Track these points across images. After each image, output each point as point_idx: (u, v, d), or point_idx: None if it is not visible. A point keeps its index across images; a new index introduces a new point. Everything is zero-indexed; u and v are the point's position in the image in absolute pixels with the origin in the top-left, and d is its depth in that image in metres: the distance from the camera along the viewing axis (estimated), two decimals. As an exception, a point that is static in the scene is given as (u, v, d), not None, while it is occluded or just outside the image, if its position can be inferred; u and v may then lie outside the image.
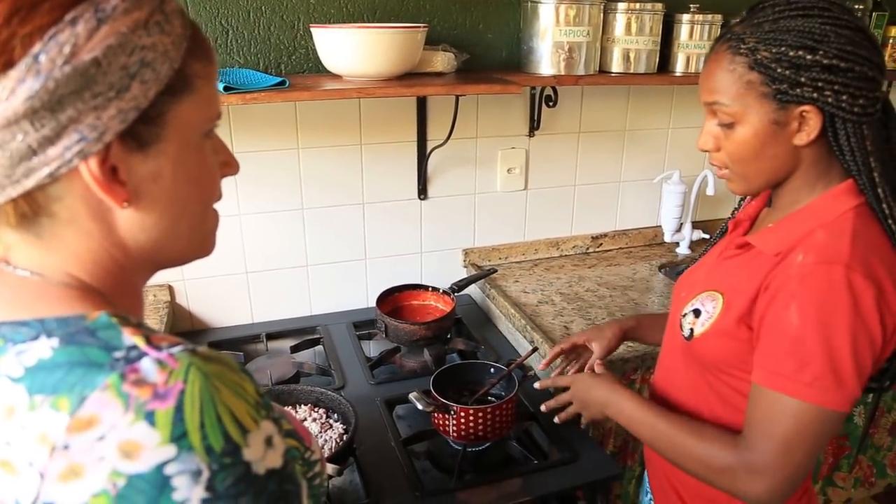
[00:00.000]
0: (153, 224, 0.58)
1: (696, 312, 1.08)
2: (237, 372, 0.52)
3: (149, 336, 0.51)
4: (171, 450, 0.46)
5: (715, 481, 0.99)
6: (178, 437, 0.46)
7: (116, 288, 0.58)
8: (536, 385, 1.37)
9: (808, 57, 0.89)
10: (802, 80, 0.89)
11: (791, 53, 0.89)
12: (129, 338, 0.50)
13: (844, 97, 0.89)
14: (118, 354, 0.49)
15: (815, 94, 0.90)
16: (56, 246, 0.55)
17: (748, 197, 1.17)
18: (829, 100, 0.90)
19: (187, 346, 0.51)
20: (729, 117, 0.97)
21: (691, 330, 1.07)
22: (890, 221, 0.94)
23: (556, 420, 1.30)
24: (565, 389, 1.29)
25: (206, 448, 0.47)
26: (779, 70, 0.90)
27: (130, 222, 0.56)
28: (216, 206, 0.66)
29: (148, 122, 0.53)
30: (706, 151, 1.04)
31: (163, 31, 0.53)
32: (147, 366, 0.48)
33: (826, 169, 0.98)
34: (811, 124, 0.92)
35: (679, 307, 1.14)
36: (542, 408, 1.33)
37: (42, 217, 0.54)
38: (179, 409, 0.47)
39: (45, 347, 0.49)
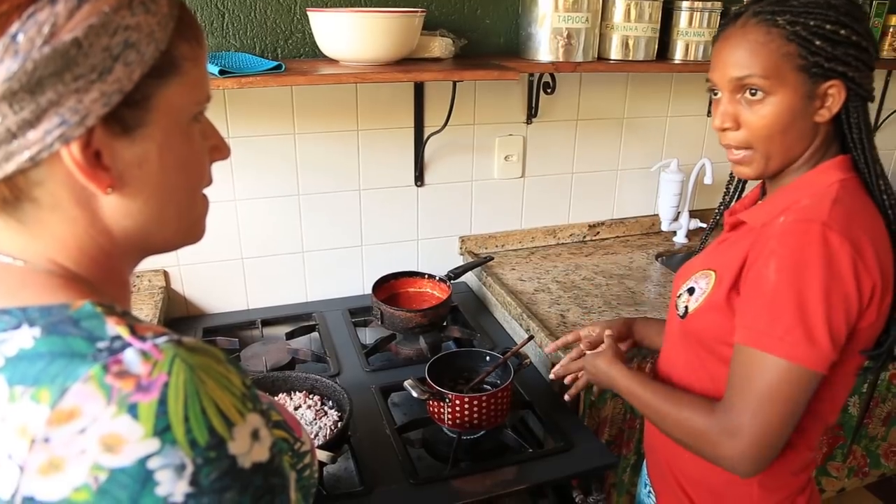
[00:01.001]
0: (139, 210, 0.56)
1: (691, 290, 1.09)
2: (223, 363, 0.51)
3: (133, 326, 0.50)
4: (154, 443, 0.45)
5: (697, 447, 0.99)
6: (162, 430, 0.45)
7: (102, 275, 0.57)
8: (552, 375, 1.36)
9: (843, 32, 0.91)
10: (838, 53, 0.92)
11: (828, 27, 0.91)
12: (113, 328, 0.49)
13: (864, 75, 0.94)
14: (101, 345, 0.48)
15: (844, 70, 0.92)
16: (39, 232, 0.54)
17: (742, 190, 1.20)
18: (854, 76, 0.93)
19: (172, 337, 0.50)
20: (763, 91, 0.95)
21: (686, 308, 1.08)
22: (885, 197, 0.98)
23: (566, 397, 1.34)
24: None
25: (191, 442, 0.46)
26: (817, 42, 0.91)
27: (115, 208, 0.55)
28: (207, 191, 0.65)
29: (132, 105, 0.52)
30: (725, 130, 1.01)
31: (148, 11, 0.51)
32: (131, 357, 0.47)
33: (828, 148, 1.01)
34: (834, 100, 0.95)
35: (677, 291, 1.15)
36: (552, 375, 1.36)
37: (24, 202, 0.52)
38: (163, 402, 0.46)
39: (26, 337, 0.48)
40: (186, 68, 0.55)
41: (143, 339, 0.49)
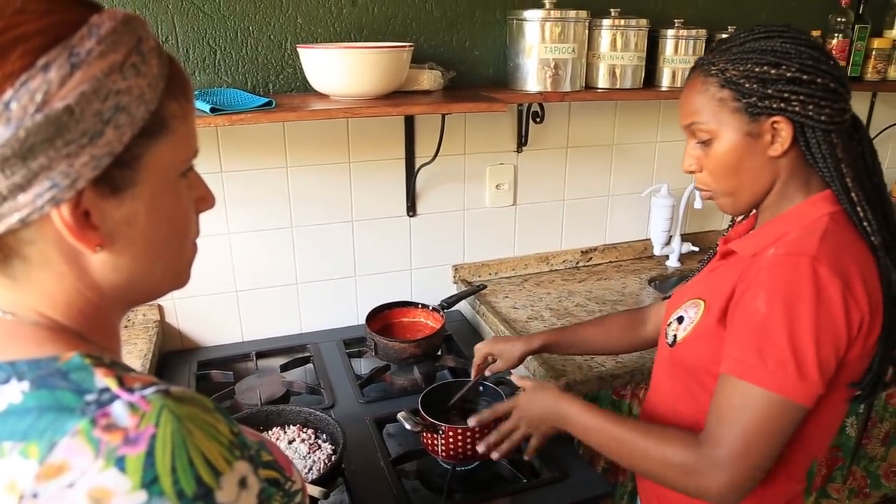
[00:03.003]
0: (127, 265, 0.57)
1: (680, 319, 1.10)
2: (211, 412, 0.52)
3: (122, 377, 0.50)
4: (141, 496, 0.45)
5: (676, 482, 0.99)
6: (149, 482, 0.45)
7: (91, 326, 0.58)
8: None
9: (773, 71, 0.95)
10: (770, 91, 0.96)
11: (757, 69, 0.96)
12: (102, 380, 0.50)
13: (811, 107, 0.95)
14: (90, 398, 0.48)
15: (782, 105, 0.96)
16: (28, 287, 0.54)
17: (740, 217, 1.20)
18: (797, 109, 0.96)
19: (160, 387, 0.50)
20: (706, 134, 1.02)
21: (674, 336, 1.09)
22: (865, 224, 0.98)
23: (525, 457, 1.30)
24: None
25: (178, 493, 0.46)
26: (747, 85, 0.97)
27: (104, 264, 0.56)
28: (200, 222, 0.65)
29: (122, 166, 0.52)
30: (691, 173, 1.09)
31: (139, 74, 0.52)
32: (118, 410, 0.47)
33: (805, 181, 1.02)
34: (783, 134, 0.98)
35: (668, 319, 1.16)
36: (480, 448, 1.28)
37: (14, 259, 0.53)
38: (150, 454, 0.46)
39: (15, 392, 0.49)
40: (175, 126, 0.56)
41: (130, 390, 0.49)
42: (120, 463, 0.45)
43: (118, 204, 0.54)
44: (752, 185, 1.03)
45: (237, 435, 0.53)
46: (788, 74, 0.95)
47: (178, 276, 0.65)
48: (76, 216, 0.51)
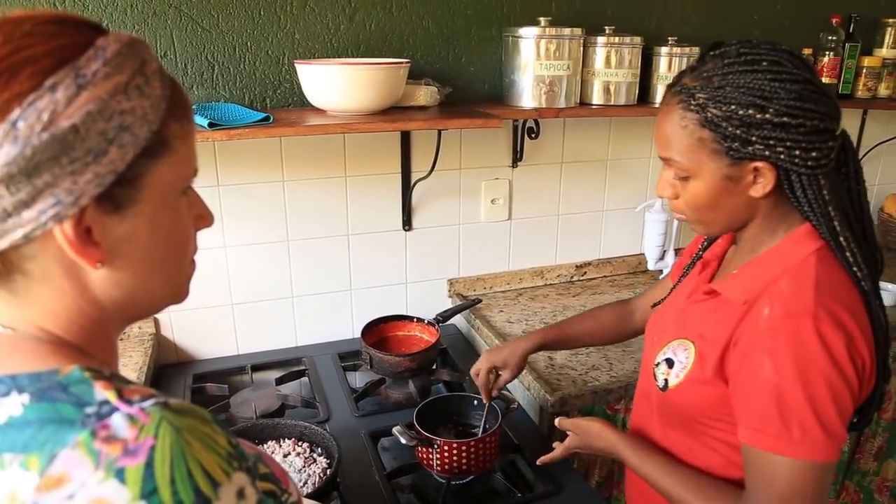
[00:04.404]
0: (127, 281, 0.58)
1: (669, 363, 1.07)
2: (209, 424, 0.52)
3: (121, 390, 0.51)
4: None
5: None
6: (149, 493, 0.46)
7: (90, 340, 0.58)
8: (539, 462, 1.28)
9: (758, 116, 0.89)
10: (753, 138, 0.90)
11: (741, 112, 0.90)
12: (101, 392, 0.50)
13: (797, 152, 0.90)
14: (90, 410, 0.49)
15: (766, 152, 0.91)
16: (29, 302, 0.55)
17: None
18: (782, 156, 0.91)
19: (159, 399, 0.51)
20: (683, 172, 0.98)
21: (665, 381, 1.07)
22: (855, 269, 0.95)
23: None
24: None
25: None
26: (729, 129, 0.91)
27: (104, 280, 0.57)
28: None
29: (124, 184, 0.53)
30: (664, 198, 1.04)
31: (142, 95, 0.53)
32: (118, 421, 0.48)
33: (786, 214, 0.99)
34: (766, 178, 0.93)
35: (651, 351, 1.14)
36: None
37: (15, 274, 0.54)
38: (150, 465, 0.47)
39: (15, 404, 0.49)
40: (176, 146, 0.57)
41: (130, 402, 0.50)
42: (120, 474, 0.46)
43: (120, 221, 0.55)
44: (727, 220, 1.01)
45: (235, 447, 0.53)
46: (775, 119, 0.89)
47: (177, 292, 0.66)
48: (78, 232, 0.52)
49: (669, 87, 0.99)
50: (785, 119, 0.89)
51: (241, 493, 0.51)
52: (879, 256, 0.99)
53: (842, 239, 0.94)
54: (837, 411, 0.88)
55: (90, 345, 0.58)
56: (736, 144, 0.91)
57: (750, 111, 0.89)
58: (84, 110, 0.50)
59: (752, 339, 0.93)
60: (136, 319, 0.64)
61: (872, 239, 0.98)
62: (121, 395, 0.51)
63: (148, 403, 0.50)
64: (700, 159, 0.95)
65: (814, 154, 0.91)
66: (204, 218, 0.66)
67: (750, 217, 1.00)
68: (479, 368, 1.41)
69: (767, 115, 0.89)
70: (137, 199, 0.55)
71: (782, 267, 0.96)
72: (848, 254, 0.95)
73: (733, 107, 0.90)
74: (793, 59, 0.91)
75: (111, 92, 0.51)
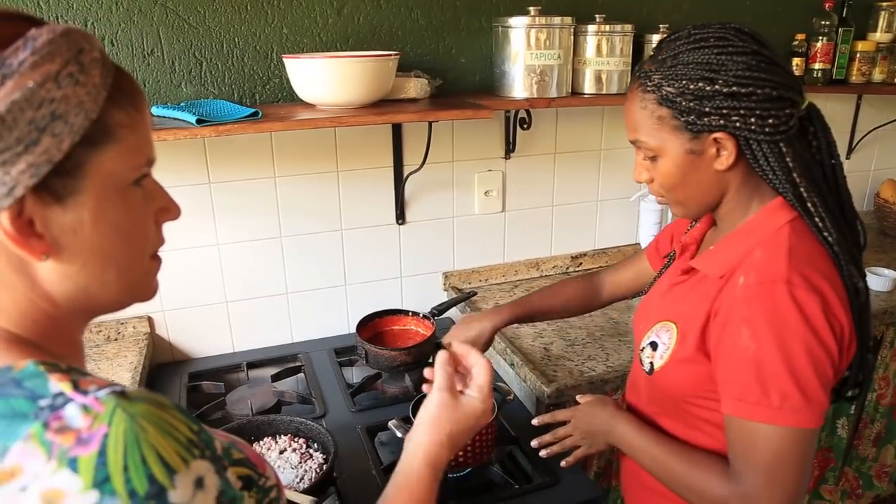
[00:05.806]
0: (76, 274, 0.57)
1: (654, 345, 1.08)
2: (168, 410, 0.51)
3: (77, 381, 0.51)
4: (93, 496, 0.45)
5: None
6: (101, 481, 0.46)
7: (48, 336, 0.57)
8: (534, 421, 1.35)
9: (709, 88, 0.93)
10: (707, 109, 0.94)
11: (692, 86, 0.93)
12: (56, 385, 0.50)
13: (752, 119, 0.93)
14: (43, 403, 0.48)
15: (722, 121, 0.94)
16: None
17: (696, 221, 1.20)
18: (738, 124, 0.93)
19: (115, 388, 0.50)
20: (650, 151, 1.01)
21: (651, 364, 1.08)
22: (825, 234, 0.96)
23: (562, 464, 1.31)
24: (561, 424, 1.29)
25: (130, 492, 0.46)
26: (684, 103, 0.95)
27: (53, 273, 0.56)
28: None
29: (63, 174, 0.52)
30: (641, 183, 1.08)
31: (77, 83, 0.52)
32: (72, 412, 0.48)
33: (756, 187, 1.01)
34: (727, 149, 0.96)
35: (639, 339, 1.15)
36: (534, 443, 1.32)
37: None
38: (103, 454, 0.46)
39: None
40: (122, 135, 0.56)
41: (84, 392, 0.49)
42: (72, 464, 0.46)
43: (62, 212, 0.54)
44: (701, 197, 1.03)
45: (197, 433, 0.52)
46: (725, 89, 0.92)
47: (138, 288, 0.64)
48: (18, 225, 0.51)
49: (632, 77, 1.03)
50: (734, 89, 0.92)
51: (199, 482, 0.50)
52: (861, 228, 1.00)
53: (809, 205, 0.96)
54: (817, 376, 0.89)
55: (47, 340, 0.57)
56: (692, 118, 0.95)
57: (700, 84, 0.93)
58: (9, 99, 0.49)
59: (729, 309, 0.94)
60: (96, 315, 0.63)
61: (851, 212, 1.00)
62: (76, 387, 0.50)
63: (103, 392, 0.49)
64: (663, 136, 0.99)
65: (770, 121, 0.93)
66: (168, 210, 0.64)
67: (721, 193, 1.02)
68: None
69: (717, 87, 0.92)
70: (79, 188, 0.54)
71: (757, 239, 0.98)
72: (817, 219, 0.96)
73: (685, 82, 0.94)
74: (740, 34, 0.95)
75: (40, 81, 0.50)
